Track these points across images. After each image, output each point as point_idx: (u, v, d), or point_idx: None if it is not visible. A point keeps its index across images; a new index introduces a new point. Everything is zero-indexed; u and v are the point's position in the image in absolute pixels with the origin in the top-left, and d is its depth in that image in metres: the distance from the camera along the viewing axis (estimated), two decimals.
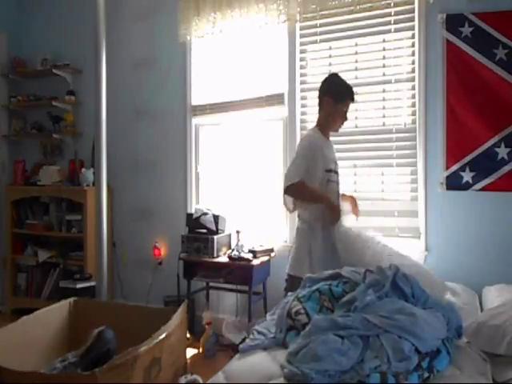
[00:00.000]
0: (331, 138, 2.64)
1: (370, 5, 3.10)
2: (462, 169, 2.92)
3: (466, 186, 2.91)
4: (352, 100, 2.55)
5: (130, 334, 2.14)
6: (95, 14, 3.26)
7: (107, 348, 2.19)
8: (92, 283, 3.42)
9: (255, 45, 3.58)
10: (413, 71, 3.08)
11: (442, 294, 2.11)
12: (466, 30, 2.89)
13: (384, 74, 3.16)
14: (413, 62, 3.08)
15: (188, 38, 3.68)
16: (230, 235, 3.52)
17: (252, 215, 3.61)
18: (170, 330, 2.19)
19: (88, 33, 3.49)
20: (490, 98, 2.85)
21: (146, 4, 3.92)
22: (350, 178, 3.22)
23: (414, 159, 3.09)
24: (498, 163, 2.84)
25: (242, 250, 3.31)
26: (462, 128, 2.91)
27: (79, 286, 3.43)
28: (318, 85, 3.32)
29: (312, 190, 2.43)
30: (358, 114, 3.20)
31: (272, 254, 3.36)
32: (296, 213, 3.37)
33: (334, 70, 3.29)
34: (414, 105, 3.09)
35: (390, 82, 3.13)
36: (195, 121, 3.81)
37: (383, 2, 3.09)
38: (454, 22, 2.91)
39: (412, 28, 3.07)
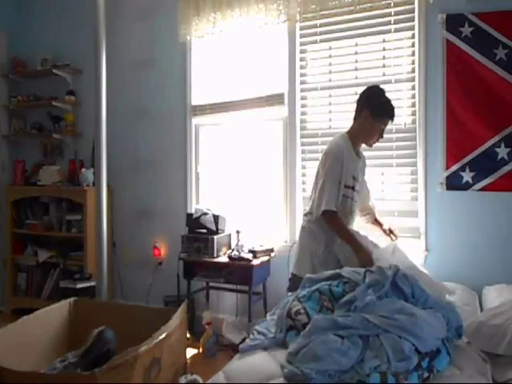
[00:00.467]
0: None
1: (370, 5, 3.10)
2: (462, 169, 2.92)
3: (465, 186, 2.91)
4: (391, 120, 2.45)
5: (129, 334, 2.13)
6: (95, 14, 3.26)
7: (107, 348, 2.19)
8: (92, 283, 3.42)
9: (255, 45, 3.57)
10: (413, 71, 3.08)
11: (442, 294, 2.11)
12: (466, 29, 2.89)
13: (384, 74, 3.16)
14: (413, 62, 3.08)
15: (188, 38, 3.67)
16: (229, 235, 3.52)
17: (252, 215, 3.61)
18: (170, 330, 2.19)
19: (88, 33, 3.49)
20: (489, 98, 2.85)
21: (145, 4, 3.92)
22: None
23: (413, 159, 3.09)
24: (498, 163, 2.84)
25: (242, 250, 3.31)
26: (461, 128, 2.91)
27: (79, 286, 3.43)
28: (318, 85, 3.37)
29: (346, 229, 2.39)
30: None
31: (272, 254, 3.35)
32: (296, 213, 3.40)
33: (333, 69, 3.31)
34: (413, 105, 3.09)
35: (389, 81, 3.13)
36: (195, 121, 3.81)
37: (383, 2, 3.08)
38: (453, 22, 2.91)
39: (412, 28, 3.06)
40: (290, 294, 2.10)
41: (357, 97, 2.58)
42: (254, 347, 1.77)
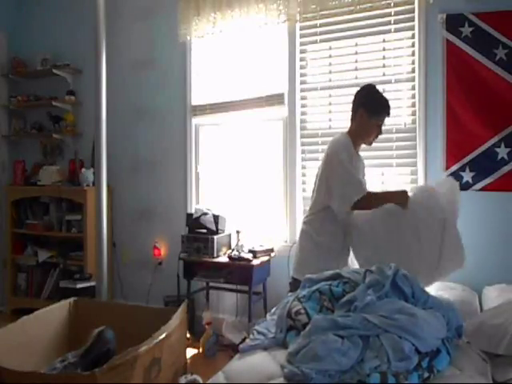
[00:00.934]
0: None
1: (370, 5, 3.10)
2: (462, 169, 2.92)
3: (465, 186, 2.91)
4: (388, 114, 2.44)
5: (129, 334, 2.14)
6: (95, 14, 3.26)
7: (107, 348, 2.20)
8: (92, 283, 3.42)
9: (255, 45, 3.58)
10: (413, 71, 3.08)
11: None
12: (466, 29, 2.89)
13: (384, 74, 3.16)
14: (413, 62, 3.08)
15: (188, 38, 3.67)
16: (230, 235, 3.52)
17: (252, 215, 3.61)
18: (170, 330, 2.19)
19: (88, 33, 3.49)
20: (489, 98, 2.85)
21: (145, 4, 3.92)
22: None
23: (414, 159, 3.09)
24: (498, 163, 2.84)
25: (242, 250, 3.31)
26: (461, 128, 2.91)
27: (79, 286, 3.43)
28: (318, 85, 3.37)
29: (380, 196, 2.36)
30: None
31: (272, 254, 3.35)
32: (296, 213, 3.40)
33: (333, 69, 3.31)
34: (413, 105, 3.09)
35: (389, 81, 3.13)
36: (195, 121, 3.81)
37: (383, 2, 3.09)
38: (454, 22, 2.91)
39: (412, 28, 3.07)
40: (289, 294, 2.10)
41: None
42: (254, 347, 1.77)
